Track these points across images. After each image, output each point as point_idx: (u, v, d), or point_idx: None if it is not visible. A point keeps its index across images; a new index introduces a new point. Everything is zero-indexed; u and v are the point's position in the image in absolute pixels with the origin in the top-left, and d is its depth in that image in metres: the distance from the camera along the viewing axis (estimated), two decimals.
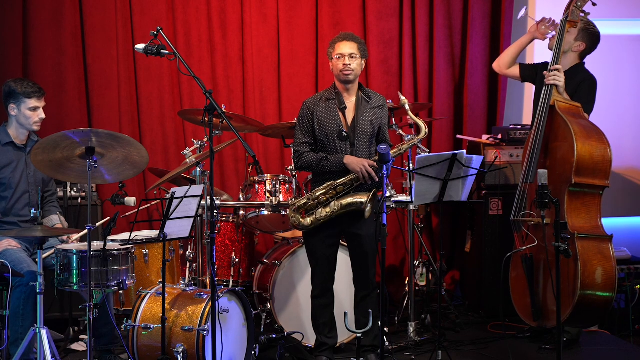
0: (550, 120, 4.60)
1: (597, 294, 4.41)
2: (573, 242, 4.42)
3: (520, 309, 4.73)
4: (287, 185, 5.23)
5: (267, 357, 4.69)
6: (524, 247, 4.54)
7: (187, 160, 4.88)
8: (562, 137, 4.54)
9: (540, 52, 6.06)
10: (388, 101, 4.82)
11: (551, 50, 4.86)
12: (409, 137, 4.99)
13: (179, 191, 4.10)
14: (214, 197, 4.68)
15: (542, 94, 4.63)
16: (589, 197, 4.57)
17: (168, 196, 4.12)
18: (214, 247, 4.05)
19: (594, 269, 4.41)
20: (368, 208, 4.39)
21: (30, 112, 4.62)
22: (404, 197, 5.23)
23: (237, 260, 5.28)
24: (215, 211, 4.23)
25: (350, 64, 4.52)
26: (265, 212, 5.17)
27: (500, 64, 5.21)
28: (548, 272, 4.47)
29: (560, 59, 4.71)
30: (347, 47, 4.54)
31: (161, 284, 4.20)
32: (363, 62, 4.60)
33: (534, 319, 4.55)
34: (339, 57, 4.53)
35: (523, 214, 4.59)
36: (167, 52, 4.01)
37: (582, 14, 4.76)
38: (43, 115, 4.69)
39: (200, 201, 4.22)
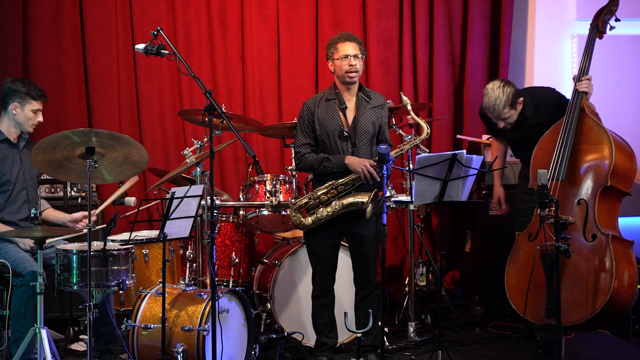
0: (579, 124, 4.68)
1: (622, 297, 4.43)
2: (607, 242, 4.45)
3: (522, 306, 4.67)
4: (287, 185, 5.23)
5: (267, 357, 4.69)
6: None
7: (187, 160, 4.88)
8: (596, 140, 4.63)
9: (540, 65, 6.07)
10: (388, 101, 4.83)
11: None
12: (409, 137, 4.99)
13: (179, 191, 4.10)
14: (214, 197, 4.68)
15: (571, 99, 4.72)
16: (613, 201, 4.64)
17: (168, 196, 4.12)
18: (214, 247, 4.05)
19: (624, 271, 4.45)
20: (369, 208, 4.39)
21: (32, 114, 4.63)
22: (404, 197, 5.23)
23: (237, 260, 5.28)
24: (215, 211, 4.23)
25: (355, 65, 4.52)
26: (265, 212, 5.17)
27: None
28: (572, 269, 4.47)
29: (589, 68, 4.79)
30: (351, 48, 4.53)
31: (161, 284, 4.21)
32: (363, 61, 4.61)
33: (546, 316, 4.55)
34: (345, 58, 4.52)
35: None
36: (167, 52, 4.01)
37: (608, 26, 4.87)
38: (41, 119, 4.70)
39: (200, 201, 4.23)
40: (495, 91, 4.81)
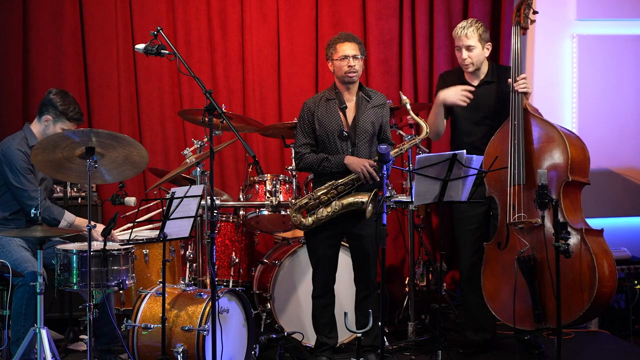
0: (527, 124, 4.68)
1: (606, 287, 4.45)
2: (581, 236, 4.45)
3: (509, 316, 4.63)
4: (287, 185, 5.23)
5: (267, 357, 4.68)
6: (523, 250, 4.53)
7: (187, 160, 4.88)
8: (547, 138, 4.63)
9: (540, 65, 6.06)
10: (388, 101, 4.83)
11: None
12: (409, 137, 4.99)
13: (179, 191, 4.10)
14: (214, 197, 4.68)
15: (511, 101, 4.70)
16: (574, 194, 4.65)
17: (168, 196, 4.12)
18: (214, 247, 4.05)
19: (603, 262, 4.46)
20: (369, 208, 4.40)
21: (61, 131, 4.56)
22: (404, 197, 5.24)
23: (237, 260, 5.28)
24: (215, 211, 4.23)
25: (355, 65, 4.52)
26: (265, 212, 5.17)
27: (437, 134, 5.06)
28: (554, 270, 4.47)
29: (521, 67, 4.78)
30: (350, 49, 4.54)
31: (161, 284, 4.21)
32: (362, 62, 4.61)
33: (536, 321, 4.54)
34: (344, 59, 4.52)
35: (517, 217, 4.59)
36: (167, 52, 4.01)
37: (529, 20, 4.84)
38: None
39: (200, 201, 4.23)
40: (469, 19, 4.92)
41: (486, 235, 4.83)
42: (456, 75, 4.99)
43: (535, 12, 4.86)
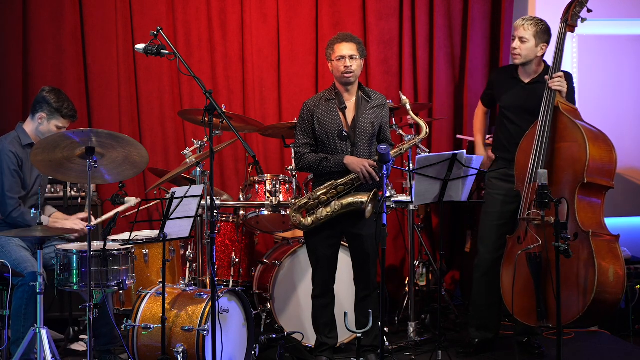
0: (554, 122, 4.64)
1: (609, 293, 4.40)
2: (587, 239, 4.42)
3: (516, 309, 4.66)
4: (287, 185, 5.23)
5: (267, 357, 4.68)
6: (533, 246, 4.53)
7: (187, 160, 4.88)
8: (571, 138, 4.58)
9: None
10: (388, 101, 4.83)
11: None
12: (409, 137, 5.00)
13: (179, 191, 4.10)
14: (214, 197, 4.68)
15: (544, 97, 4.67)
16: (595, 197, 4.59)
17: (168, 196, 4.13)
18: (214, 247, 4.05)
19: (608, 268, 4.41)
20: (369, 208, 4.40)
21: (56, 129, 4.56)
22: (404, 197, 5.24)
23: (237, 260, 5.28)
24: (215, 211, 4.23)
25: (351, 66, 4.52)
26: (265, 212, 5.17)
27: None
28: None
29: (561, 64, 4.74)
30: (347, 49, 4.54)
31: (161, 284, 4.21)
32: (362, 62, 4.60)
33: (538, 319, 4.54)
34: (340, 59, 4.52)
35: (529, 213, 4.58)
36: (167, 52, 4.01)
37: (579, 19, 4.82)
38: None
39: (200, 201, 4.23)
40: (536, 16, 4.96)
41: (511, 233, 4.82)
42: (509, 72, 5.00)
43: (589, 11, 4.81)
